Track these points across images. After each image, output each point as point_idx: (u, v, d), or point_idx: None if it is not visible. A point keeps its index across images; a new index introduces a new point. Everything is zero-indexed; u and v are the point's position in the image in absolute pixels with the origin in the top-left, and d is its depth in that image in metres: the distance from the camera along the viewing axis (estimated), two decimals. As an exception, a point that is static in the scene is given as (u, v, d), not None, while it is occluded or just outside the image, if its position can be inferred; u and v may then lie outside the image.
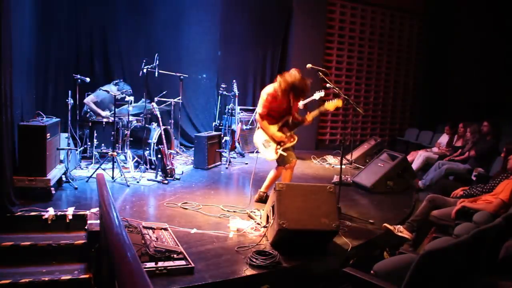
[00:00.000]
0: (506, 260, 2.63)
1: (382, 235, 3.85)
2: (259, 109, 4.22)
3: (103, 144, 5.59)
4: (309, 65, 4.62)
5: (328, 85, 4.59)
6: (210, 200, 4.58)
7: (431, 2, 9.85)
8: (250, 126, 7.47)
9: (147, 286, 1.22)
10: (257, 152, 4.36)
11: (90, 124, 5.59)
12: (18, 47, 4.25)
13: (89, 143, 5.58)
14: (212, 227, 3.69)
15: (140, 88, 5.99)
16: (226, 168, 6.40)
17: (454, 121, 7.23)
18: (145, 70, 5.71)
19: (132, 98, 5.77)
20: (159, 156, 5.39)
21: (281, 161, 4.31)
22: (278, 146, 4.25)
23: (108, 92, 5.61)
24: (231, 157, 6.82)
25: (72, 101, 5.12)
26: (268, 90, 4.19)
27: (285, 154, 4.25)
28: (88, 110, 5.87)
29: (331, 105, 4.31)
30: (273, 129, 4.25)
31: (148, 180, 5.20)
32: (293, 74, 4.04)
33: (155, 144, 5.48)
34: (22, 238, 3.18)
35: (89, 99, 5.85)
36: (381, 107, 9.99)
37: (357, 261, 3.30)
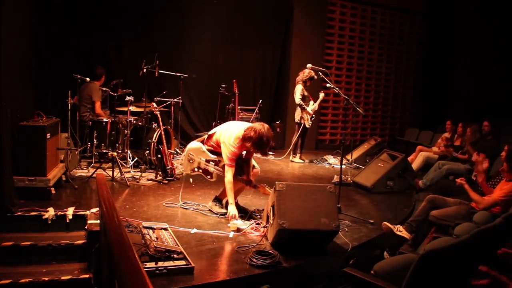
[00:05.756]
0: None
1: (382, 235, 3.85)
2: (230, 163, 3.81)
3: (103, 144, 5.59)
4: (309, 65, 4.63)
5: (328, 85, 4.60)
6: (210, 200, 4.57)
7: (431, 2, 9.86)
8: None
9: (147, 286, 1.22)
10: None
11: (90, 124, 5.59)
12: (18, 47, 4.25)
13: (89, 143, 5.58)
14: (212, 227, 3.69)
15: (140, 88, 5.97)
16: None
17: (455, 120, 7.24)
18: (145, 70, 5.71)
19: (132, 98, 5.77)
20: (159, 156, 5.39)
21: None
22: (196, 169, 4.09)
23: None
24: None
25: (72, 101, 5.12)
26: (233, 143, 3.81)
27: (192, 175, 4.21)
28: (89, 111, 5.87)
29: (267, 190, 3.95)
30: (232, 207, 3.81)
31: (148, 180, 5.21)
32: (260, 127, 3.75)
33: (155, 144, 5.48)
34: (22, 238, 3.18)
35: (99, 106, 5.91)
36: (381, 107, 10.00)
37: (357, 261, 3.30)
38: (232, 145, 3.83)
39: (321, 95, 7.05)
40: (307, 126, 7.05)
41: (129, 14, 7.20)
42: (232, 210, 3.80)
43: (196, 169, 4.12)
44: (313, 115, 7.11)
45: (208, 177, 4.08)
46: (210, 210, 4.15)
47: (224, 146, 3.87)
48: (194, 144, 4.16)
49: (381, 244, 3.86)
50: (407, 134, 9.70)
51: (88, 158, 5.73)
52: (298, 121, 7.06)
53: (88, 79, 5.39)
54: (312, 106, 7.01)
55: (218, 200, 4.20)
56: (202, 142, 4.18)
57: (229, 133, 3.90)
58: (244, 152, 4.08)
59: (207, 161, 4.07)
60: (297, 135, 7.11)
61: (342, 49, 9.24)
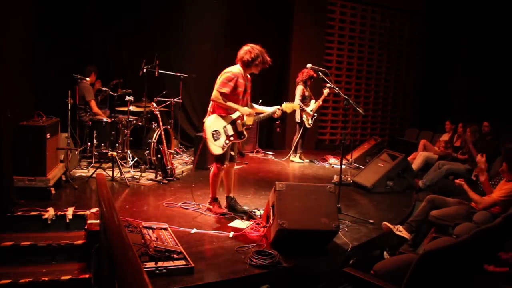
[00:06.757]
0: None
1: (382, 235, 3.85)
2: (221, 88, 3.80)
3: (103, 144, 5.59)
4: (309, 65, 4.62)
5: (328, 85, 4.61)
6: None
7: (431, 2, 9.86)
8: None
9: (147, 286, 1.22)
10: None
11: (90, 124, 5.59)
12: (18, 47, 4.25)
13: (89, 143, 5.58)
14: (212, 227, 3.69)
15: (140, 88, 5.97)
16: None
17: (454, 121, 7.24)
18: (145, 70, 5.71)
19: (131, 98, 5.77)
20: (159, 156, 5.39)
21: (221, 157, 3.96)
22: (227, 141, 3.88)
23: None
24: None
25: (72, 101, 5.12)
26: (230, 69, 3.94)
27: (231, 152, 4.05)
28: (88, 111, 5.87)
29: (289, 106, 4.17)
30: (241, 107, 3.91)
31: (148, 180, 5.21)
32: (249, 47, 4.07)
33: (155, 144, 5.48)
34: (22, 238, 3.18)
35: (94, 104, 5.88)
36: (381, 107, 10.00)
37: (357, 261, 3.30)
38: (231, 71, 3.90)
39: (325, 90, 6.89)
40: (307, 126, 7.06)
41: (129, 14, 7.18)
42: (244, 109, 3.91)
43: (227, 142, 3.88)
44: (315, 114, 7.11)
45: (242, 137, 3.98)
46: (209, 210, 4.14)
47: (221, 77, 3.91)
48: (209, 120, 3.88)
49: (381, 244, 3.86)
50: (407, 134, 9.69)
51: (88, 158, 5.73)
52: (299, 121, 7.08)
53: (88, 79, 5.39)
54: (312, 107, 7.03)
55: (216, 199, 4.20)
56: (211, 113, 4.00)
57: (226, 69, 3.96)
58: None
59: (232, 122, 3.92)
60: (299, 135, 7.11)
61: (342, 49, 9.24)
